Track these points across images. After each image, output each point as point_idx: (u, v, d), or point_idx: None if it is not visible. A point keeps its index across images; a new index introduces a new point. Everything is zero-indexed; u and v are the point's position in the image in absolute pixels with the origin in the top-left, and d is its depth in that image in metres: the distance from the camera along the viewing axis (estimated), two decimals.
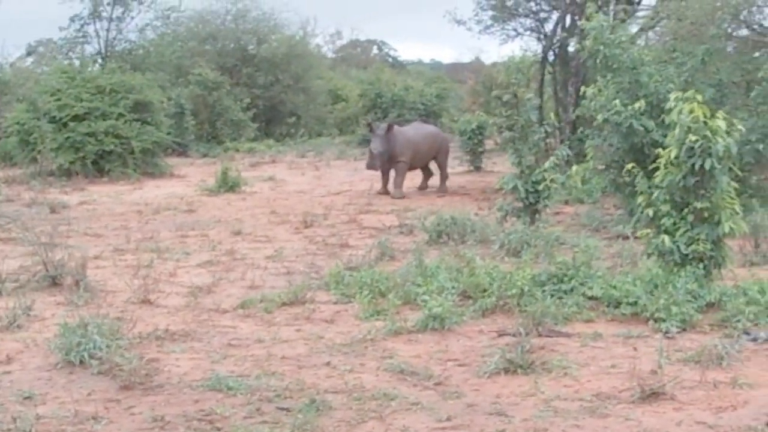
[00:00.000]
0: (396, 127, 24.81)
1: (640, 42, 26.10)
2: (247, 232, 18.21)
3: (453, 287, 11.92)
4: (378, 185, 24.58)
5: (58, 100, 29.36)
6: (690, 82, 18.94)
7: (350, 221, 19.58)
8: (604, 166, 18.14)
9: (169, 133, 32.02)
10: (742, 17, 21.34)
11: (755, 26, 21.70)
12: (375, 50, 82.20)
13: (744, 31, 21.89)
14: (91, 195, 24.79)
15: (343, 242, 16.73)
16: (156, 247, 16.28)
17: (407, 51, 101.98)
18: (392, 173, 24.34)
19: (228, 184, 24.98)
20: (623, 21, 20.58)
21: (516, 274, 11.72)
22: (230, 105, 40.41)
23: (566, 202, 21.45)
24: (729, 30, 21.25)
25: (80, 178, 27.81)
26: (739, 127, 12.21)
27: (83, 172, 28.30)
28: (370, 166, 24.30)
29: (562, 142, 25.29)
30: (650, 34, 28.09)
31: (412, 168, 24.80)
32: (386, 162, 24.06)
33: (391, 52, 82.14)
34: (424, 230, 16.74)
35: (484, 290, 11.70)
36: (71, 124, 28.81)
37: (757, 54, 21.63)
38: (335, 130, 47.19)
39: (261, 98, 43.62)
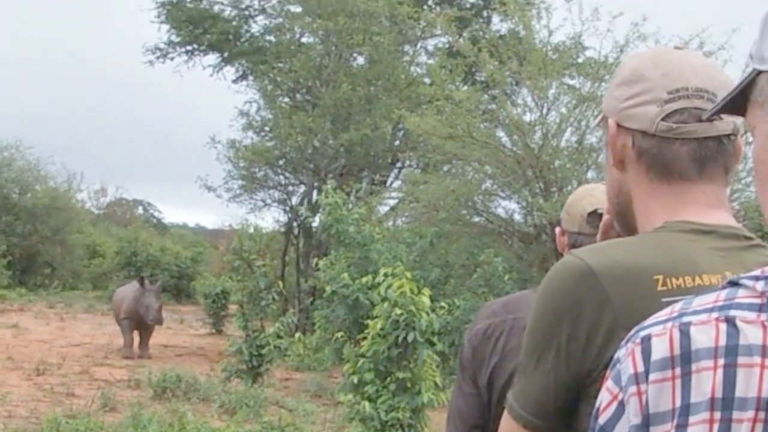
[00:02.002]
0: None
1: (389, 223, 27.04)
2: None
3: None
4: (129, 346, 23.40)
5: None
6: (419, 262, 19.79)
7: (83, 372, 19.54)
8: (331, 336, 18.68)
9: None
10: (472, 204, 22.45)
11: (484, 213, 22.82)
12: (140, 210, 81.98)
13: (476, 218, 23.00)
14: None
15: (70, 391, 16.76)
16: None
17: (173, 214, 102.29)
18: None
19: None
20: (362, 199, 21.45)
21: (221, 430, 12.05)
22: None
23: (297, 369, 21.88)
24: (464, 214, 22.34)
25: None
26: (458, 304, 12.93)
27: None
28: (157, 321, 22.90)
29: (301, 311, 25.88)
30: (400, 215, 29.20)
31: None
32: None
33: (156, 214, 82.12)
34: (150, 385, 16.92)
35: None
36: None
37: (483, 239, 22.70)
38: (89, 285, 46.86)
39: (18, 246, 43.06)
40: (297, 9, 32.24)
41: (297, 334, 16.71)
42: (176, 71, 37.20)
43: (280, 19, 33.68)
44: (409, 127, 23.28)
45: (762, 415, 1.28)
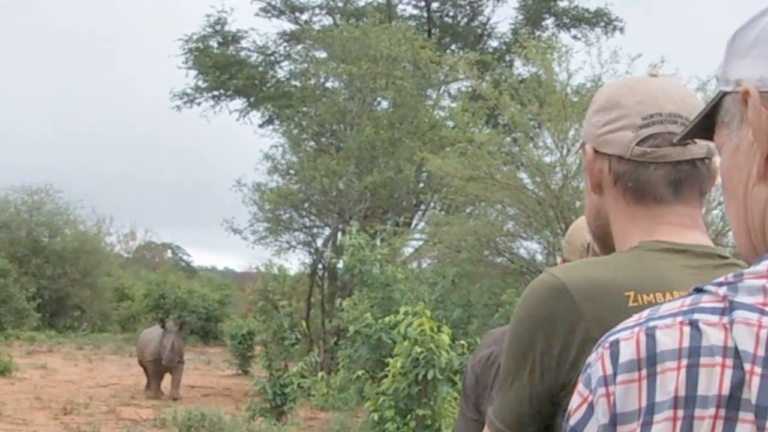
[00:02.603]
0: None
1: (413, 264, 27.13)
2: (6, 414, 18.14)
3: None
4: (154, 389, 23.33)
5: None
6: (441, 302, 19.83)
7: (109, 411, 19.65)
8: (356, 376, 18.73)
9: None
10: (494, 244, 22.51)
11: (506, 254, 22.87)
12: (169, 254, 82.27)
13: (498, 258, 23.04)
14: None
15: (96, 430, 16.87)
16: None
17: (202, 258, 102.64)
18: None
19: None
20: (386, 241, 21.52)
21: None
22: (15, 293, 40.04)
23: (322, 409, 21.92)
24: (486, 255, 22.40)
25: None
26: (479, 343, 12.94)
27: None
28: (170, 360, 22.46)
29: (326, 351, 25.95)
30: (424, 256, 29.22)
31: None
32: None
33: (185, 257, 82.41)
34: (175, 424, 17.01)
35: None
36: None
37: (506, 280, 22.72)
38: (118, 327, 47.05)
39: (47, 289, 43.37)
40: (322, 54, 32.51)
41: (320, 374, 16.75)
42: (203, 116, 37.42)
43: (305, 65, 33.93)
44: (431, 169, 23.44)
45: (722, 412, 1.34)
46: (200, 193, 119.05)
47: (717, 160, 2.34)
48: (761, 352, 1.34)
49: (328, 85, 32.59)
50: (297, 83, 34.12)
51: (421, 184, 30.38)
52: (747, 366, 1.35)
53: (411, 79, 28.78)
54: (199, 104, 36.77)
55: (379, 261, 18.57)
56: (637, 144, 2.23)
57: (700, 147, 2.23)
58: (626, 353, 1.46)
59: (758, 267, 1.44)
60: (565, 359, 2.09)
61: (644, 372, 1.42)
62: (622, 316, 2.00)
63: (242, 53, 36.43)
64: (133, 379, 25.78)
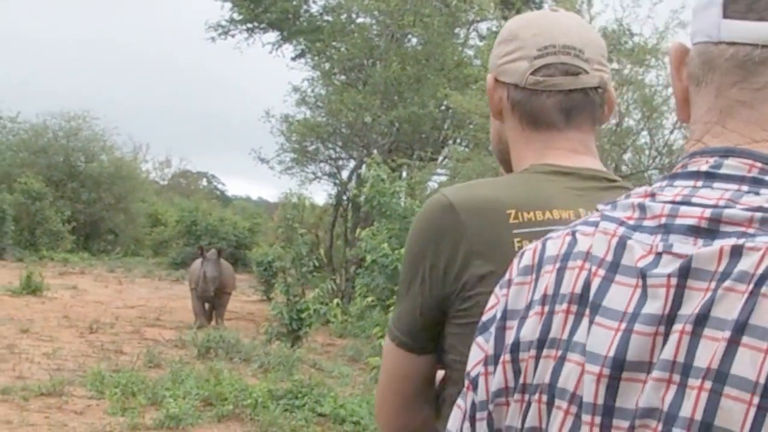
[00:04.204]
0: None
1: None
2: (34, 331, 18.41)
3: (197, 393, 12.49)
4: (199, 315, 22.14)
5: None
6: None
7: (134, 332, 19.88)
8: (365, 304, 18.90)
9: None
10: None
11: None
12: (205, 182, 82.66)
13: None
14: None
15: (119, 349, 17.12)
16: None
17: (236, 187, 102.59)
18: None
19: (30, 287, 25.03)
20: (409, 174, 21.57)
21: (254, 386, 12.36)
22: (51, 216, 40.46)
23: (341, 336, 22.15)
24: None
25: None
26: None
27: None
28: (206, 291, 21.54)
29: (347, 280, 26.15)
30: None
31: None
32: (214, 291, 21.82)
33: (219, 186, 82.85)
34: (194, 345, 17.26)
35: (225, 399, 12.31)
36: None
37: None
38: (150, 251, 47.44)
39: (82, 213, 43.76)
40: None
41: (335, 300, 16.92)
42: (236, 48, 37.55)
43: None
44: (453, 105, 23.43)
45: (573, 308, 1.49)
46: (234, 123, 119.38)
47: (613, 91, 2.48)
48: (609, 257, 1.49)
49: (360, 20, 32.55)
50: (329, 18, 34.01)
51: (447, 121, 30.39)
52: (593, 268, 1.50)
53: (439, 17, 28.72)
54: (233, 36, 36.78)
55: (399, 193, 18.64)
56: (531, 73, 2.36)
57: (592, 77, 2.37)
58: (526, 259, 1.65)
59: (639, 189, 1.60)
60: (451, 270, 2.23)
61: (534, 275, 1.61)
62: (502, 232, 2.17)
63: None
64: (160, 301, 26.06)
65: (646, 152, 21.41)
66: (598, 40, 2.45)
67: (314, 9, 35.95)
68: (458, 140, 29.25)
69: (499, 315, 1.64)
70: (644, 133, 21.21)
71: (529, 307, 1.58)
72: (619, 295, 1.46)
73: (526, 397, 1.55)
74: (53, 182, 43.29)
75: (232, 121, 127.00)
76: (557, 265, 1.57)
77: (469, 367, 1.68)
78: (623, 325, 1.43)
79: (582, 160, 2.38)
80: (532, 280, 1.61)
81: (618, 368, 1.42)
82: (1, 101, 47.73)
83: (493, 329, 1.64)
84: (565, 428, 1.48)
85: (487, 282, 2.14)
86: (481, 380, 1.63)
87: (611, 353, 1.42)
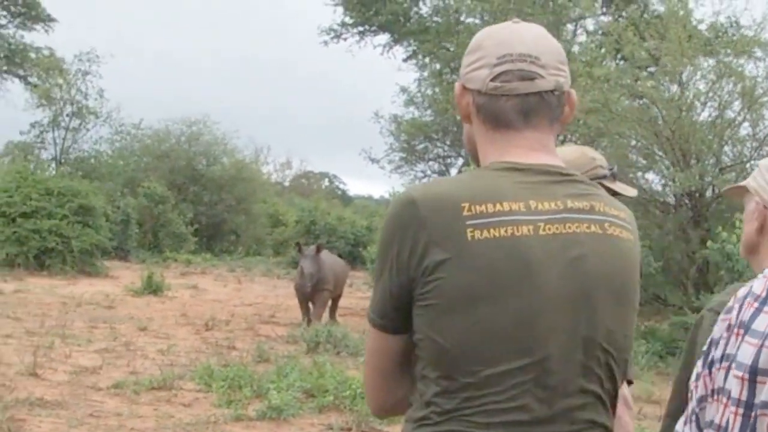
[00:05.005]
0: (323, 252, 22.14)
1: None
2: (152, 329, 18.98)
3: (300, 386, 12.86)
4: (304, 314, 21.75)
5: (10, 197, 30.33)
6: None
7: (248, 328, 20.32)
8: None
9: (111, 239, 33.15)
10: None
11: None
12: (326, 182, 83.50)
13: None
14: (27, 285, 25.50)
15: (231, 345, 17.57)
16: (63, 333, 17.09)
17: (358, 186, 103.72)
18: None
19: (151, 287, 25.73)
20: None
21: (355, 378, 12.68)
22: (174, 218, 41.36)
23: None
24: None
25: (21, 270, 28.67)
26: None
27: (25, 264, 29.23)
28: (301, 287, 21.23)
29: None
30: None
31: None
32: (312, 288, 21.25)
33: (341, 186, 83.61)
34: (303, 340, 17.66)
35: (326, 390, 12.66)
36: (19, 220, 29.81)
37: None
38: (271, 251, 48.09)
39: (204, 215, 44.65)
40: None
41: None
42: (348, 51, 38.10)
43: (448, 1, 34.06)
44: None
45: (741, 331, 2.05)
46: (350, 124, 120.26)
47: (573, 92, 2.75)
48: (763, 294, 2.04)
49: (469, 21, 32.72)
50: (438, 19, 34.29)
51: None
52: (752, 302, 2.08)
53: (541, 15, 28.78)
54: (345, 39, 37.29)
55: None
56: (491, 80, 2.63)
57: (548, 81, 2.63)
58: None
59: None
60: (413, 258, 2.52)
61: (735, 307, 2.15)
62: (457, 223, 2.49)
63: None
64: (276, 299, 26.51)
65: (748, 144, 21.28)
66: (555, 48, 2.70)
67: (423, 10, 36.28)
68: (569, 136, 29.29)
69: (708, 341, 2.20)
70: (745, 124, 21.11)
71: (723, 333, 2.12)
72: (763, 321, 1.97)
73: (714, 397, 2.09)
74: (176, 186, 44.28)
75: (348, 123, 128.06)
76: (739, 303, 2.08)
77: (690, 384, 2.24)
78: (760, 342, 1.95)
79: (538, 157, 2.63)
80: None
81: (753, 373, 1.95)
82: (123, 109, 48.67)
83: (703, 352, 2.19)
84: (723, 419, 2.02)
85: (444, 268, 2.46)
86: (694, 391, 2.18)
87: (749, 362, 1.95)
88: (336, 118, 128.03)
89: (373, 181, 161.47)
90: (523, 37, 2.67)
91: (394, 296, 2.60)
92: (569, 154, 3.89)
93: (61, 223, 30.14)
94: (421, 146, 32.17)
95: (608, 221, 2.60)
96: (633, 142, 22.41)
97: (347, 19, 36.74)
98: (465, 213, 2.47)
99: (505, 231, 2.46)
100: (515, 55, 2.63)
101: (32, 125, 43.32)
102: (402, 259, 2.55)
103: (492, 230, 2.45)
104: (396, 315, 2.62)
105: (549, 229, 2.50)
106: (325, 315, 22.20)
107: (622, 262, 2.59)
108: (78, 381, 13.05)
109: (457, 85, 2.77)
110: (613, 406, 2.65)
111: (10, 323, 18.11)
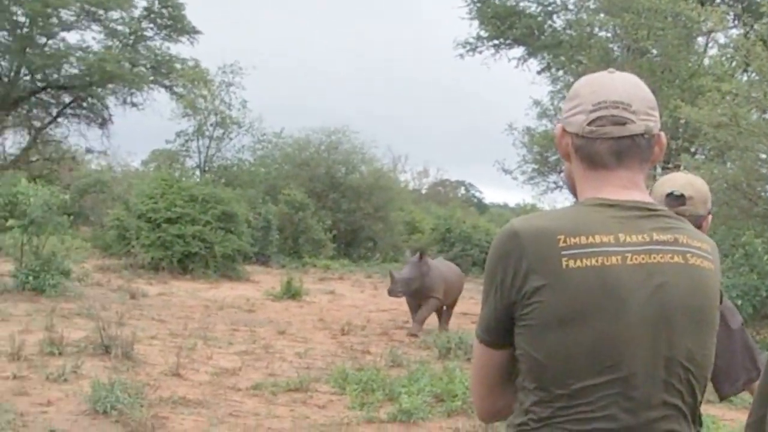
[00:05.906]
0: (430, 260, 21.67)
1: None
2: (290, 333, 19.41)
3: (430, 390, 13.15)
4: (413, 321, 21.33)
5: (156, 203, 31.21)
6: None
7: (382, 333, 20.61)
8: None
9: (252, 244, 33.89)
10: (740, 188, 22.26)
11: (750, 196, 22.48)
12: (462, 191, 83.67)
13: (743, 201, 22.56)
14: (171, 288, 26.26)
15: (366, 349, 17.91)
16: (205, 335, 17.63)
17: (494, 195, 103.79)
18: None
19: (291, 292, 26.21)
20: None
21: None
22: (313, 225, 41.82)
23: None
24: (733, 198, 22.16)
25: (166, 273, 29.44)
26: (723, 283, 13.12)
27: (169, 268, 30.00)
28: (392, 292, 20.84)
29: None
30: None
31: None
32: (415, 294, 20.96)
33: (477, 194, 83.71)
34: (435, 346, 17.92)
35: (455, 395, 12.92)
36: (164, 225, 30.57)
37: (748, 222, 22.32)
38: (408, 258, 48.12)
39: (343, 222, 45.02)
40: (595, 5, 32.62)
41: None
42: (484, 63, 38.37)
43: (581, 15, 34.10)
44: (681, 116, 23.40)
45: None
46: (485, 135, 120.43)
47: (663, 135, 3.01)
48: None
49: (601, 34, 32.73)
50: (571, 32, 34.35)
51: (680, 130, 30.24)
52: None
53: (672, 30, 28.68)
54: (480, 52, 37.52)
55: None
56: (588, 124, 2.91)
57: (638, 126, 2.90)
58: None
59: None
60: (515, 284, 2.81)
61: None
62: (553, 253, 2.79)
63: (521, 4, 36.89)
64: None
65: None
66: (646, 95, 2.96)
67: (557, 24, 36.35)
68: (695, 150, 29.12)
69: None
70: None
71: None
72: None
73: None
74: (315, 193, 44.79)
75: (482, 134, 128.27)
76: None
77: None
78: None
79: (629, 194, 2.90)
80: None
81: None
82: (265, 119, 49.48)
83: None
84: None
85: (541, 292, 2.75)
86: None
87: None
88: (471, 129, 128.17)
89: (509, 190, 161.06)
90: (617, 85, 2.94)
91: (498, 316, 2.90)
92: (702, 186, 4.22)
93: (204, 229, 30.86)
94: (554, 158, 32.24)
95: (690, 252, 2.85)
96: (762, 156, 22.19)
97: (482, 33, 37.01)
98: (560, 244, 2.75)
99: (596, 261, 2.73)
100: (609, 102, 2.90)
101: (177, 134, 44.34)
102: (505, 285, 2.84)
103: (584, 260, 2.72)
104: (499, 332, 2.92)
105: (635, 259, 2.76)
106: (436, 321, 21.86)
107: (702, 289, 2.84)
108: (218, 381, 13.52)
109: (558, 127, 3.06)
110: (694, 419, 2.90)
111: (155, 325, 18.73)
